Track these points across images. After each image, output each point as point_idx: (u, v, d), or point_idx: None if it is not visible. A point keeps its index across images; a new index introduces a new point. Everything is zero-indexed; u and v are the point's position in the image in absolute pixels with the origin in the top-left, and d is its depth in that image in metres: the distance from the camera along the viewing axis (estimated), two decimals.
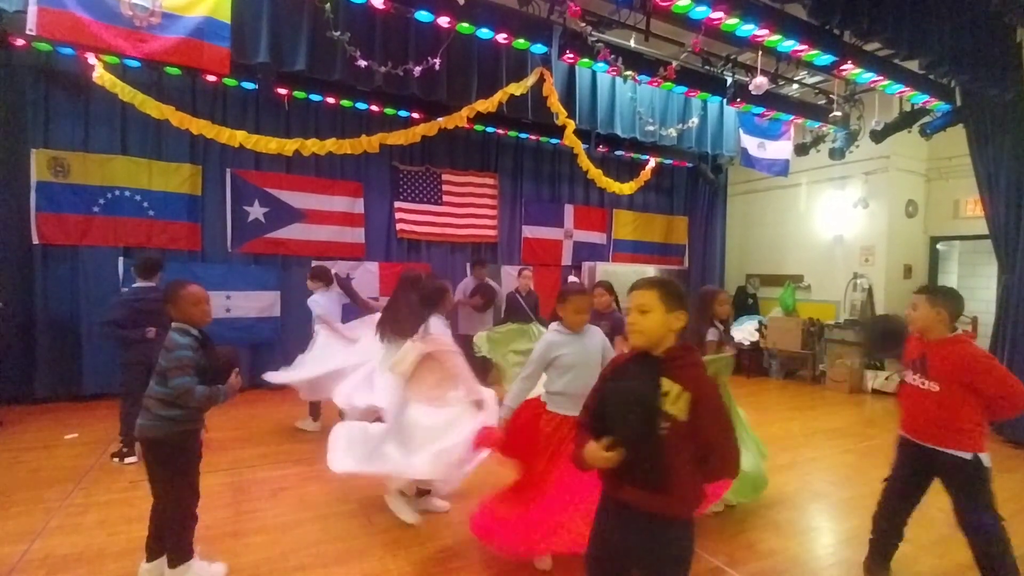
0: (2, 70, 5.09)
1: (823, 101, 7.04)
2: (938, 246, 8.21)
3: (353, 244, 6.91)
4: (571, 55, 4.90)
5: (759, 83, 4.99)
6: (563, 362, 2.55)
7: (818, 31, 4.81)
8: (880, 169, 7.76)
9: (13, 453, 4.23)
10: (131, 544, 2.86)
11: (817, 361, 8.01)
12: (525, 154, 8.16)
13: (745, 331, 8.47)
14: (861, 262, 8.01)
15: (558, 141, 7.48)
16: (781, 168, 7.23)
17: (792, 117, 6.68)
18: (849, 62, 5.11)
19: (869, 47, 5.18)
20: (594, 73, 6.03)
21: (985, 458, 2.37)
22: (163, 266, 4.22)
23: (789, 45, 4.76)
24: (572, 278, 2.64)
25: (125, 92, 4.85)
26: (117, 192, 5.79)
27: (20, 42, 4.63)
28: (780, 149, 7.13)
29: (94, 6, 3.25)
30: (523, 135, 7.66)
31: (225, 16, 3.72)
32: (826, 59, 5.07)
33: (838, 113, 6.44)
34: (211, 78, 5.66)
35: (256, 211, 6.39)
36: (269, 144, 5.02)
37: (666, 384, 1.47)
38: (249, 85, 5.87)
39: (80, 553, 2.82)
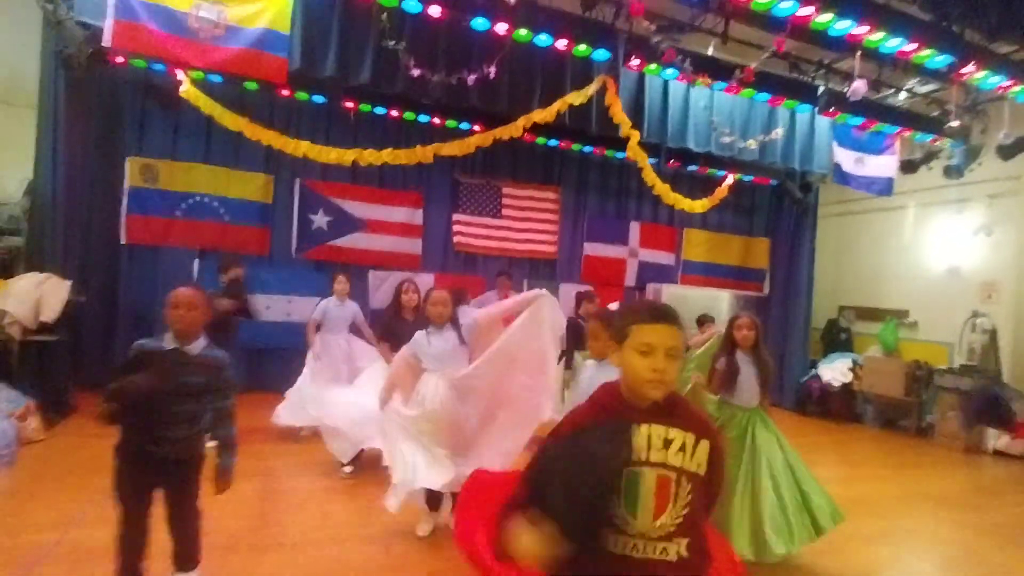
0: (106, 85, 5.60)
1: (936, 112, 6.15)
2: None
3: (410, 255, 6.93)
4: (637, 61, 4.58)
5: (857, 87, 4.37)
6: (580, 387, 2.49)
7: (932, 28, 4.16)
8: (1008, 192, 6.64)
9: (81, 438, 4.48)
10: (157, 546, 2.86)
11: (924, 411, 6.92)
12: (590, 168, 7.85)
13: (836, 370, 7.60)
14: (982, 299, 6.86)
15: (624, 155, 7.12)
16: (883, 187, 6.37)
17: (898, 129, 5.86)
18: (972, 64, 4.37)
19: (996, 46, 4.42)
20: (666, 83, 5.65)
21: None
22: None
23: (895, 45, 4.14)
24: (612, 305, 2.53)
25: (206, 105, 5.17)
26: (198, 198, 6.18)
27: (120, 59, 5.07)
28: (883, 166, 6.29)
29: (165, 20, 3.44)
30: (588, 148, 7.37)
31: (284, 27, 3.81)
32: (941, 61, 4.37)
33: (955, 123, 5.53)
34: (285, 93, 5.92)
35: (320, 219, 6.58)
36: (329, 155, 5.14)
37: (676, 434, 1.24)
38: (320, 99, 6.07)
39: (106, 547, 2.83)
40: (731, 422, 3.15)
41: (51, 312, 4.68)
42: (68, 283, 4.84)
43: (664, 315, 1.26)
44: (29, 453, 4.05)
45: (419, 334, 3.15)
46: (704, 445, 1.25)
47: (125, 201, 5.87)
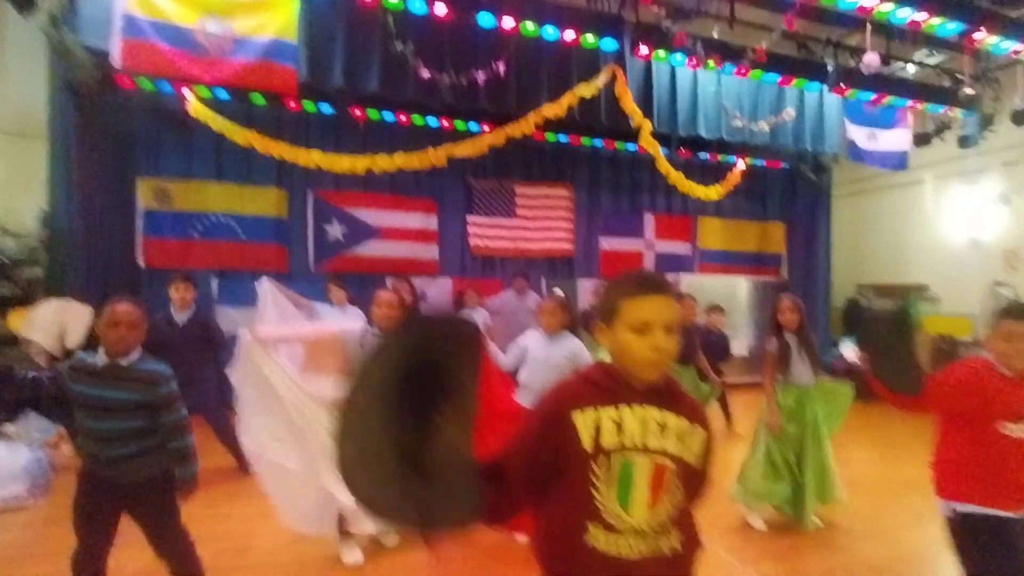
0: (117, 110, 5.61)
1: (948, 83, 6.07)
2: None
3: (427, 261, 6.91)
4: (645, 50, 4.55)
5: (870, 61, 4.32)
6: (527, 354, 2.83)
7: None
8: None
9: None
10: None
11: None
12: (601, 163, 7.82)
13: (857, 349, 7.48)
14: (1004, 269, 6.76)
15: (636, 147, 7.08)
16: (897, 161, 6.30)
17: (909, 102, 5.80)
18: (982, 29, 4.32)
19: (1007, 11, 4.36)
20: (673, 71, 5.61)
21: None
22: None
23: (905, 15, 4.09)
24: (557, 290, 2.92)
25: (215, 122, 5.18)
26: (213, 218, 6.16)
27: (129, 84, 5.09)
28: (896, 139, 6.21)
29: (173, 36, 3.43)
30: (597, 142, 7.34)
31: (292, 36, 3.80)
32: (953, 28, 4.32)
33: (968, 91, 5.45)
34: (293, 105, 5.93)
35: (335, 230, 6.57)
36: (342, 163, 5.13)
37: (671, 420, 1.11)
38: (328, 109, 6.07)
39: (149, 568, 2.80)
40: (795, 402, 3.28)
41: (76, 337, 4.67)
42: (89, 308, 4.84)
43: (656, 284, 1.11)
44: (63, 480, 4.03)
45: (359, 333, 2.85)
46: (700, 434, 1.13)
47: (140, 224, 5.88)
